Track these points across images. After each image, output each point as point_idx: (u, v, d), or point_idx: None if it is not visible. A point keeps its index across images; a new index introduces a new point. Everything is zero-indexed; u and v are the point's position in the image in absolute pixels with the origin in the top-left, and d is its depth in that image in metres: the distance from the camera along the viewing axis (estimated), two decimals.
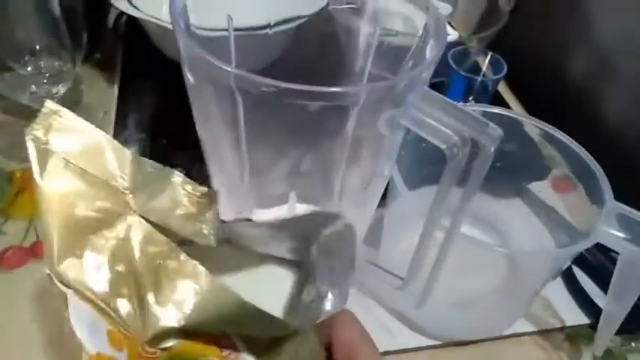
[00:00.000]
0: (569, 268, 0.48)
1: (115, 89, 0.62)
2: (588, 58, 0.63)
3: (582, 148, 0.40)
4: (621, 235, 0.34)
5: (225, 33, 0.36)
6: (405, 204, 0.40)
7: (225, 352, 0.23)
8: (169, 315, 0.21)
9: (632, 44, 0.57)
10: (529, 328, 0.44)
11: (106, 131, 0.24)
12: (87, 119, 0.24)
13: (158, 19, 0.51)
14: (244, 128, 0.33)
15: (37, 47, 0.48)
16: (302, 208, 0.41)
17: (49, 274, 0.24)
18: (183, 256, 0.22)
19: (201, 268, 0.22)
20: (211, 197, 0.23)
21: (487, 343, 0.43)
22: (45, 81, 0.47)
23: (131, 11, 0.52)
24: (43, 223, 0.23)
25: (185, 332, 0.22)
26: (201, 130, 0.35)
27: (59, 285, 0.24)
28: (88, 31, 0.51)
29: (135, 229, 0.23)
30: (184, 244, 0.23)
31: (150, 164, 0.24)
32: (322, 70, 0.42)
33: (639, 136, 0.57)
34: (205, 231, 0.23)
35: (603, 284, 0.46)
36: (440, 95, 0.28)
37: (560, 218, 0.45)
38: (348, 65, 0.42)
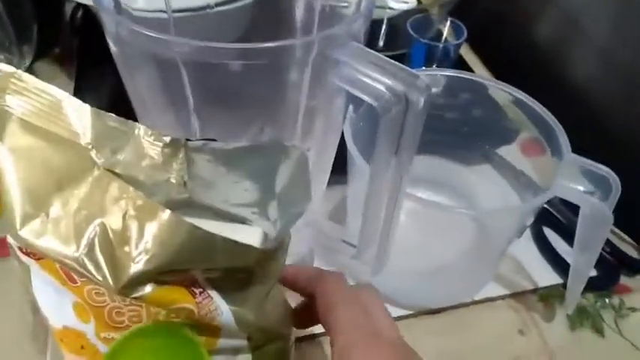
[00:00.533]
0: (540, 230, 0.48)
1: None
2: (553, 19, 0.62)
3: (542, 107, 0.40)
4: (580, 187, 0.34)
5: (164, 15, 0.35)
6: (365, 178, 0.40)
7: (199, 298, 0.23)
8: (138, 260, 0.22)
9: (596, 3, 0.57)
10: (502, 291, 0.44)
11: None
12: None
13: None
14: (193, 104, 0.32)
15: None
16: None
17: (10, 245, 0.24)
18: (146, 200, 0.22)
19: (163, 208, 0.22)
20: (176, 146, 0.23)
21: (460, 309, 0.43)
22: None
23: (85, 0, 0.51)
24: (4, 187, 0.22)
25: (156, 280, 0.22)
26: (145, 113, 0.34)
27: (21, 256, 0.24)
28: (44, 26, 0.50)
29: (100, 183, 0.23)
30: None
31: (111, 118, 0.23)
32: None
33: (604, 95, 0.56)
34: (173, 180, 0.23)
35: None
36: (370, 50, 0.27)
37: (529, 180, 0.45)
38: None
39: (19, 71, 0.23)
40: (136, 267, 0.21)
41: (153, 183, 0.23)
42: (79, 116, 0.23)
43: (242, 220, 0.26)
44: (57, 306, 0.25)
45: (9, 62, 0.48)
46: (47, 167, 0.22)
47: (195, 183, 0.24)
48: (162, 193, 0.23)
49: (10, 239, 0.23)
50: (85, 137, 0.23)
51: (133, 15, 0.35)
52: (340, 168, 0.40)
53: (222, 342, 0.25)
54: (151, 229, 0.21)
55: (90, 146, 0.23)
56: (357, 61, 0.27)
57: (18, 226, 0.22)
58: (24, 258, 0.24)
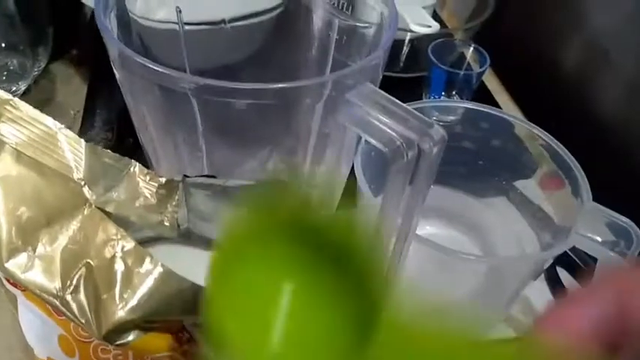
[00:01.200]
0: (553, 270, 0.46)
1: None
2: (579, 47, 0.61)
3: (564, 148, 0.38)
4: (598, 238, 0.32)
5: (175, 26, 0.34)
6: (373, 211, 0.39)
7: (186, 346, 0.23)
8: (122, 307, 0.21)
9: (624, 33, 0.55)
10: (510, 332, 0.42)
11: (74, 130, 0.23)
12: (58, 117, 0.23)
13: (132, 13, 0.49)
14: (202, 129, 0.31)
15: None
16: None
17: None
18: (137, 247, 0.21)
19: (154, 258, 0.21)
20: (171, 187, 0.22)
21: None
22: (4, 78, 0.46)
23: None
24: None
25: (142, 327, 0.21)
26: (150, 138, 0.33)
27: (7, 286, 0.23)
28: (63, 26, 0.49)
29: (91, 221, 0.22)
30: (145, 242, 0.23)
31: (107, 155, 0.23)
32: (295, 66, 0.40)
33: (630, 129, 0.54)
34: (167, 223, 0.23)
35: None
36: (384, 94, 0.26)
37: (546, 217, 0.43)
38: (319, 59, 0.40)
39: (16, 99, 0.22)
40: (120, 314, 0.20)
41: (145, 224, 0.22)
42: (74, 150, 0.22)
43: None
44: (42, 337, 0.24)
45: (22, 65, 0.47)
46: (38, 200, 0.22)
47: (192, 214, 0.23)
48: (154, 232, 0.22)
49: None
50: (79, 172, 0.22)
51: (142, 24, 0.35)
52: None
53: None
54: (139, 276, 0.20)
55: (82, 182, 0.22)
56: (369, 104, 0.26)
57: (4, 259, 0.21)
58: (10, 287, 0.23)
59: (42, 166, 0.22)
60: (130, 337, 0.21)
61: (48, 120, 0.22)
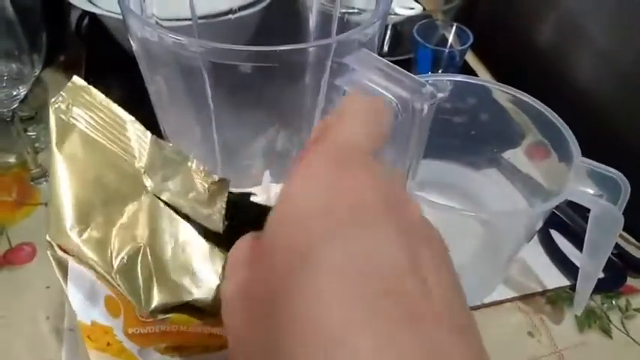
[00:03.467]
0: (547, 232, 0.49)
1: None
2: (553, 22, 0.63)
3: (549, 109, 0.40)
4: (590, 191, 0.34)
5: (188, 23, 0.35)
6: None
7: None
8: (173, 290, 0.22)
9: (596, 10, 0.57)
10: (510, 294, 0.44)
11: None
12: None
13: (117, 14, 0.51)
14: (213, 105, 0.33)
15: None
16: (276, 188, 0.41)
17: (49, 243, 0.24)
18: (191, 233, 0.23)
19: (214, 250, 0.23)
20: (222, 185, 0.24)
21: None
22: (4, 84, 0.46)
23: (89, 7, 0.51)
24: (54, 191, 0.23)
25: (182, 307, 0.23)
26: (165, 115, 0.35)
27: (59, 253, 0.24)
28: (50, 34, 0.50)
29: (147, 207, 0.23)
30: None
31: (168, 148, 0.24)
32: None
33: (606, 96, 0.57)
34: (215, 217, 0.24)
35: (582, 245, 0.46)
36: (379, 57, 0.28)
37: (536, 184, 0.45)
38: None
39: (91, 87, 0.24)
40: (168, 297, 0.22)
41: (196, 216, 0.23)
42: (139, 140, 0.24)
43: None
44: (88, 300, 0.25)
45: (20, 71, 0.48)
46: (99, 181, 0.23)
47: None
48: (201, 226, 0.23)
49: (49, 238, 0.24)
50: (141, 161, 0.24)
51: (157, 22, 0.36)
52: None
53: None
54: (194, 263, 0.22)
55: (143, 170, 0.24)
56: (366, 67, 0.28)
57: (67, 228, 0.22)
58: (61, 254, 0.24)
59: (107, 150, 0.24)
60: (172, 314, 0.23)
61: (119, 110, 0.24)
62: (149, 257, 0.22)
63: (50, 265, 0.44)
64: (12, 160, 0.55)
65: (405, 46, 0.59)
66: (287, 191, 0.16)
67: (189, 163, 0.24)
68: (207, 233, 0.24)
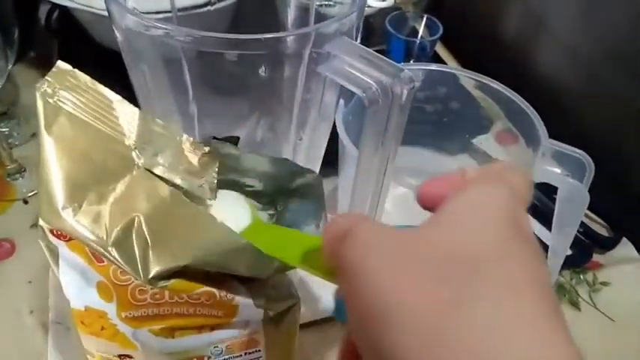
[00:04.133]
0: None
1: None
2: (521, 15, 0.65)
3: (516, 94, 0.42)
4: (558, 170, 0.36)
5: (167, 15, 0.36)
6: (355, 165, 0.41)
7: (218, 282, 0.25)
8: (168, 257, 0.23)
9: (559, 3, 0.60)
10: None
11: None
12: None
13: (89, 7, 0.50)
14: (193, 95, 0.33)
15: None
16: None
17: (41, 227, 0.25)
18: (186, 202, 0.24)
19: (203, 210, 0.23)
20: (213, 156, 0.25)
21: None
22: None
23: (61, 0, 0.51)
24: (43, 173, 0.23)
25: (180, 272, 0.24)
26: (148, 106, 0.35)
27: (50, 238, 0.25)
28: (19, 29, 0.50)
29: (139, 180, 0.24)
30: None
31: (157, 123, 0.25)
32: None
33: (569, 84, 0.59)
34: (206, 186, 0.25)
35: (550, 224, 0.48)
36: (359, 45, 0.29)
37: None
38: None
39: (76, 70, 0.24)
40: (165, 263, 0.23)
41: (188, 187, 0.24)
42: (128, 118, 0.25)
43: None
44: (81, 286, 0.26)
45: None
46: (89, 160, 0.24)
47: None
48: (194, 196, 0.24)
49: (42, 222, 0.24)
50: (130, 138, 0.24)
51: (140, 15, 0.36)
52: (332, 161, 0.42)
53: (239, 317, 0.27)
54: (186, 228, 0.23)
55: (133, 146, 0.24)
56: (347, 54, 0.29)
57: (59, 208, 0.23)
58: (53, 239, 0.25)
59: (96, 130, 0.24)
60: (171, 281, 0.24)
61: (106, 90, 0.25)
62: (144, 227, 0.23)
63: (31, 260, 0.45)
64: None
65: (376, 38, 0.60)
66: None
67: (178, 137, 0.24)
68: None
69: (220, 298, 0.25)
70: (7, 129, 0.57)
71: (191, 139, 0.25)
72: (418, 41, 0.54)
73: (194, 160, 0.24)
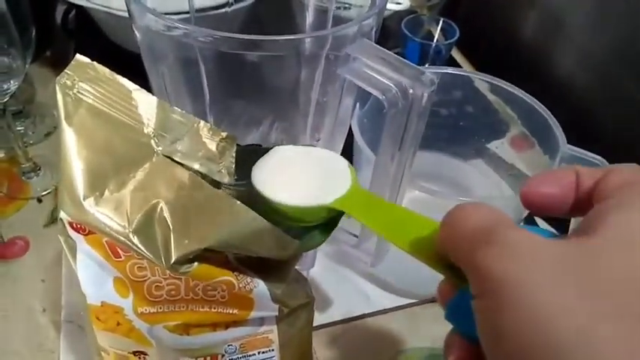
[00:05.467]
0: (533, 220, 0.50)
1: None
2: (538, 18, 0.65)
3: (533, 98, 0.42)
4: None
5: (185, 16, 0.36)
6: (371, 168, 0.41)
7: (236, 272, 0.25)
8: (190, 240, 0.23)
9: (576, 6, 0.60)
10: None
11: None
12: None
13: (106, 7, 0.51)
14: (209, 97, 0.33)
15: None
16: None
17: (61, 220, 0.25)
18: (204, 184, 0.24)
19: (222, 194, 0.24)
20: (231, 141, 0.25)
21: None
22: None
23: (78, 1, 0.51)
24: (65, 165, 0.24)
25: (202, 257, 0.24)
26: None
27: (70, 232, 0.25)
28: (36, 28, 0.50)
29: (159, 167, 0.24)
30: None
31: (175, 111, 0.25)
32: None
33: (585, 87, 0.59)
34: (224, 170, 0.25)
35: (566, 231, 0.48)
36: (379, 47, 0.28)
37: (520, 174, 0.47)
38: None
39: (95, 62, 0.25)
40: (186, 247, 0.23)
41: (207, 172, 0.24)
42: (146, 107, 0.25)
43: None
44: (98, 281, 0.26)
45: (11, 65, 0.48)
46: (109, 150, 0.24)
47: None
48: (214, 182, 0.24)
49: (63, 215, 0.24)
50: (149, 127, 0.24)
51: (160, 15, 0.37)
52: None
53: (254, 314, 0.27)
54: (207, 211, 0.23)
55: (152, 134, 0.24)
56: (367, 56, 0.29)
57: (81, 198, 0.23)
58: (72, 233, 0.25)
59: (115, 119, 0.24)
60: (192, 267, 0.24)
61: (124, 80, 0.25)
62: (165, 213, 0.23)
63: (44, 259, 0.45)
64: (1, 155, 0.55)
65: (392, 41, 0.60)
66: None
67: (196, 124, 0.25)
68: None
69: (239, 290, 0.25)
70: (23, 127, 0.57)
71: (208, 125, 0.25)
72: (434, 44, 0.54)
73: (212, 145, 0.24)
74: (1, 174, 0.53)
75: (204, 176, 0.24)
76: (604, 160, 0.36)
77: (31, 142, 0.56)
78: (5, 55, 0.47)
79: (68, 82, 0.24)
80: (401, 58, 0.28)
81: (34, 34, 0.50)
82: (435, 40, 0.55)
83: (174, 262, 0.23)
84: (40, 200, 0.51)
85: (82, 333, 0.39)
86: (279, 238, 0.24)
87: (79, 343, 0.39)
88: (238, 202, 0.23)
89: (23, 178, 0.52)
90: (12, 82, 0.47)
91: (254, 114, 0.37)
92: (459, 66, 0.67)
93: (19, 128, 0.57)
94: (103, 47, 0.60)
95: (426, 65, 0.55)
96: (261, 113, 0.37)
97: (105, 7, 0.51)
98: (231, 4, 0.41)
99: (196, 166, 0.24)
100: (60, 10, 0.70)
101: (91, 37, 0.63)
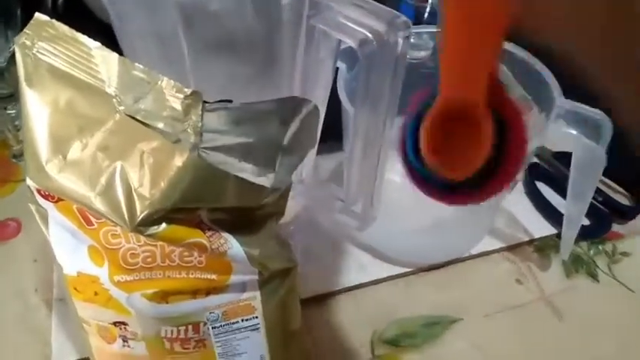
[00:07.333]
0: (533, 184, 0.49)
1: None
2: None
3: (529, 54, 0.40)
4: (573, 131, 0.34)
5: None
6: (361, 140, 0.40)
7: (208, 233, 0.24)
8: (153, 199, 0.22)
9: None
10: (498, 244, 0.45)
11: None
12: None
13: None
14: (188, 57, 0.32)
15: None
16: None
17: (29, 188, 0.24)
18: (163, 141, 0.23)
19: (180, 149, 0.23)
20: (196, 98, 0.24)
21: (458, 264, 0.44)
22: None
23: None
24: (27, 130, 0.23)
25: (168, 218, 0.23)
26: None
27: (39, 200, 0.24)
28: (25, 11, 0.49)
29: (120, 127, 0.23)
30: None
31: (137, 68, 0.24)
32: None
33: (582, 45, 0.57)
34: (190, 130, 0.24)
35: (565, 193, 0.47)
36: None
37: None
38: None
39: (54, 20, 0.24)
40: (151, 205, 0.22)
41: (171, 132, 0.23)
42: (107, 65, 0.24)
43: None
44: (72, 251, 0.25)
45: None
46: (71, 111, 0.23)
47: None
48: (179, 142, 0.23)
49: (29, 182, 0.24)
50: (110, 85, 0.23)
51: None
52: (337, 134, 0.40)
53: (234, 278, 0.26)
54: (167, 168, 0.22)
55: (114, 93, 0.23)
56: (340, 3, 0.27)
57: (43, 163, 0.22)
58: (42, 202, 0.24)
59: (76, 79, 0.23)
60: (160, 228, 0.23)
61: (84, 38, 0.24)
62: (129, 173, 0.22)
63: (36, 239, 0.45)
64: None
65: (386, 3, 0.58)
66: None
67: (160, 82, 0.24)
68: None
69: (211, 252, 0.24)
70: (14, 111, 0.57)
71: (172, 82, 0.24)
72: (428, 6, 0.52)
73: (176, 104, 0.23)
74: None
75: (169, 135, 0.23)
76: (602, 114, 0.34)
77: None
78: None
79: (27, 42, 0.23)
80: (376, 3, 0.27)
81: (19, 17, 0.49)
82: (429, 1, 0.53)
83: (138, 224, 0.22)
84: None
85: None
86: (247, 187, 0.23)
87: (70, 322, 0.39)
88: (198, 156, 0.22)
89: (14, 160, 0.52)
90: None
91: (233, 72, 0.36)
92: None
93: (10, 112, 0.56)
94: (94, 30, 0.59)
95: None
96: (241, 72, 0.36)
97: None
98: None
99: (160, 126, 0.23)
100: None
101: (82, 21, 0.61)
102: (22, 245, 0.45)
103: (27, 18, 0.48)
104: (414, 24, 0.53)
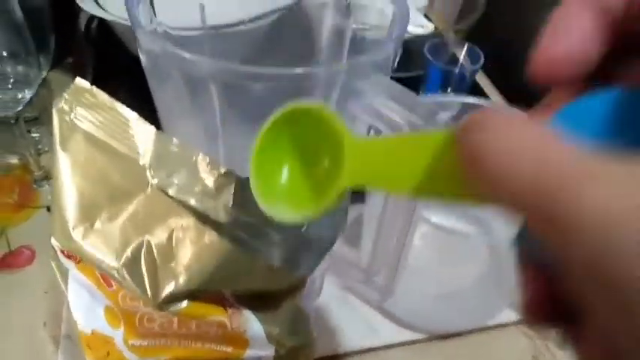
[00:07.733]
0: None
1: None
2: None
3: None
4: None
5: (199, 32, 0.35)
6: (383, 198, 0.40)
7: (230, 311, 0.24)
8: (178, 278, 0.22)
9: None
10: (515, 317, 0.44)
11: None
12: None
13: (125, 19, 0.50)
14: (220, 119, 0.32)
15: (4, 53, 0.47)
16: None
17: (52, 247, 0.24)
18: (194, 221, 0.23)
19: (210, 231, 0.23)
20: (230, 177, 0.24)
21: (473, 334, 0.43)
22: (10, 87, 0.46)
23: (97, 12, 0.51)
24: (57, 193, 0.23)
25: (193, 295, 0.23)
26: (171, 125, 0.34)
27: (61, 258, 0.24)
28: (58, 36, 0.50)
29: (151, 201, 0.23)
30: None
31: (173, 142, 0.24)
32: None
33: None
34: (220, 208, 0.24)
35: None
36: (391, 81, 0.27)
37: None
38: (323, 59, 0.41)
39: (94, 87, 0.24)
40: (176, 285, 0.22)
41: (203, 209, 0.23)
42: (143, 137, 0.24)
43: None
44: (89, 309, 0.25)
45: (26, 74, 0.48)
46: (103, 180, 0.23)
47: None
48: (209, 219, 0.23)
49: (54, 241, 0.24)
50: (145, 157, 0.23)
51: (167, 32, 0.36)
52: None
53: (249, 352, 0.25)
54: (196, 249, 0.22)
55: (147, 166, 0.23)
56: (378, 92, 0.27)
57: (70, 228, 0.22)
58: (64, 260, 0.24)
59: (111, 148, 0.23)
60: (182, 305, 0.23)
61: (123, 108, 0.24)
62: (154, 249, 0.22)
63: (49, 270, 0.44)
64: (14, 161, 0.54)
65: (414, 64, 0.58)
66: None
67: (194, 157, 0.24)
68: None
69: (232, 330, 0.24)
70: (38, 134, 0.57)
71: (207, 158, 0.23)
72: (457, 70, 0.52)
73: (210, 181, 0.23)
74: (13, 181, 0.53)
75: (199, 213, 0.23)
76: None
77: (46, 149, 0.56)
78: (22, 64, 0.47)
79: (65, 107, 0.23)
80: (415, 95, 0.27)
81: (53, 42, 0.50)
82: (458, 66, 0.53)
83: (161, 302, 0.21)
84: (49, 209, 0.51)
85: (80, 349, 0.38)
86: (272, 269, 0.23)
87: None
88: (227, 240, 0.22)
89: (35, 186, 0.52)
90: (26, 91, 0.47)
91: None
92: (484, 93, 0.65)
93: (34, 135, 0.57)
94: (123, 57, 0.60)
95: (449, 91, 0.53)
96: None
97: (125, 20, 0.50)
98: (246, 22, 0.40)
99: (192, 202, 0.23)
100: (84, 17, 0.70)
101: (111, 47, 0.62)
102: (35, 275, 0.45)
103: (58, 42, 0.49)
104: (442, 86, 0.54)
